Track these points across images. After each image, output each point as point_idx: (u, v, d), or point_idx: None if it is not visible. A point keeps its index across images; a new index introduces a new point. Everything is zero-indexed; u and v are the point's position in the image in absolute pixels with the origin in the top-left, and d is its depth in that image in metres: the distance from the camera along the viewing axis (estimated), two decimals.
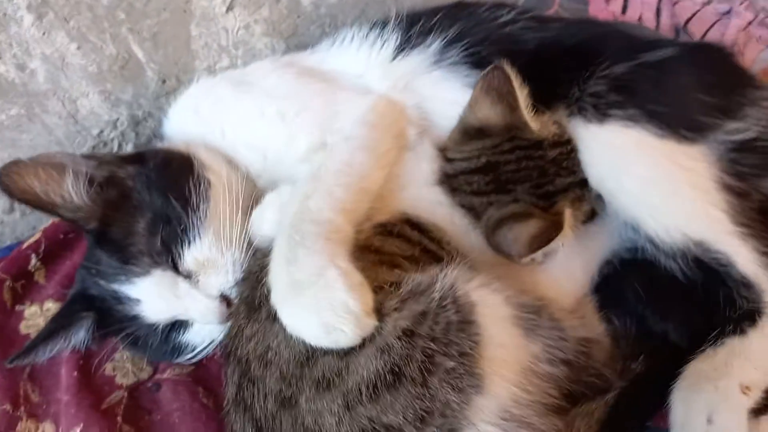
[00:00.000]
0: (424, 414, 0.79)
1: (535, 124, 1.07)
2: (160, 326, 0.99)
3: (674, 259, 0.99)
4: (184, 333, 1.02)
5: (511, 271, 1.02)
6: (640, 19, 1.76)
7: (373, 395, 0.80)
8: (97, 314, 1.02)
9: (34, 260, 1.19)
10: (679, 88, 1.07)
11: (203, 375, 1.07)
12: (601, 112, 1.05)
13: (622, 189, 1.03)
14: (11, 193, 0.94)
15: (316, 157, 1.02)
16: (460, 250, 1.02)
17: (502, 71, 1.03)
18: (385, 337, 0.82)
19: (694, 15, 1.74)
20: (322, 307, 0.81)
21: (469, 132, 1.08)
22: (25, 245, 1.20)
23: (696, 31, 1.70)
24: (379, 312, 0.84)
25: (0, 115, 1.17)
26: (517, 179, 1.04)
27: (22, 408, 1.04)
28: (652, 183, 1.01)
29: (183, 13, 1.24)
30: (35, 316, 1.16)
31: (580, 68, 1.12)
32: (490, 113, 1.06)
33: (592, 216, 1.10)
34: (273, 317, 0.85)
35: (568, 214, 1.00)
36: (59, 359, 1.07)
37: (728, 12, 1.71)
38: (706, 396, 0.89)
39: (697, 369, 0.93)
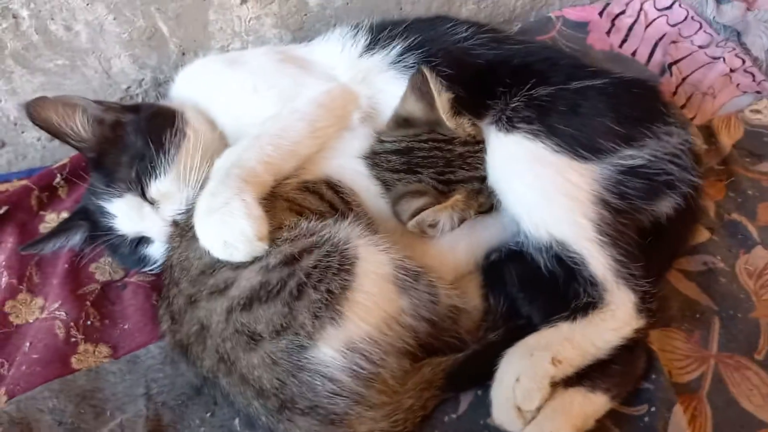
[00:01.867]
0: (281, 328, 1.02)
1: (452, 123, 1.27)
2: (128, 238, 1.27)
3: (540, 253, 1.17)
4: (147, 247, 1.29)
5: (407, 239, 1.23)
6: (634, 53, 1.90)
7: (247, 306, 1.04)
8: (89, 224, 1.31)
9: (58, 178, 1.53)
10: (591, 113, 1.22)
11: (161, 284, 1.34)
12: (511, 124, 1.22)
13: (511, 189, 1.21)
14: (34, 121, 1.24)
15: (267, 123, 1.27)
16: (369, 214, 1.25)
17: (423, 74, 1.24)
18: (269, 259, 1.06)
19: (685, 57, 1.86)
20: (224, 228, 1.06)
21: (399, 121, 1.30)
22: (54, 166, 1.54)
23: (681, 71, 1.82)
24: (274, 242, 1.08)
25: (49, 63, 1.51)
26: (424, 164, 1.25)
27: (25, 284, 1.37)
28: (534, 188, 1.18)
29: (203, 0, 1.53)
30: (53, 221, 1.49)
31: (515, 86, 1.30)
32: (415, 108, 1.27)
33: (489, 209, 1.29)
34: (195, 236, 1.11)
35: (455, 200, 1.20)
36: (60, 254, 1.38)
37: (719, 58, 1.83)
38: (522, 361, 1.08)
39: (528, 341, 1.11)
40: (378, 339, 1.05)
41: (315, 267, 1.05)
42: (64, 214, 1.48)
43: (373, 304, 1.05)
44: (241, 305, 1.04)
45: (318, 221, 1.12)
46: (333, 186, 1.24)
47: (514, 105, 1.25)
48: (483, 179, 1.25)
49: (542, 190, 1.18)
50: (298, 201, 1.20)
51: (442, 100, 1.26)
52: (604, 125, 1.21)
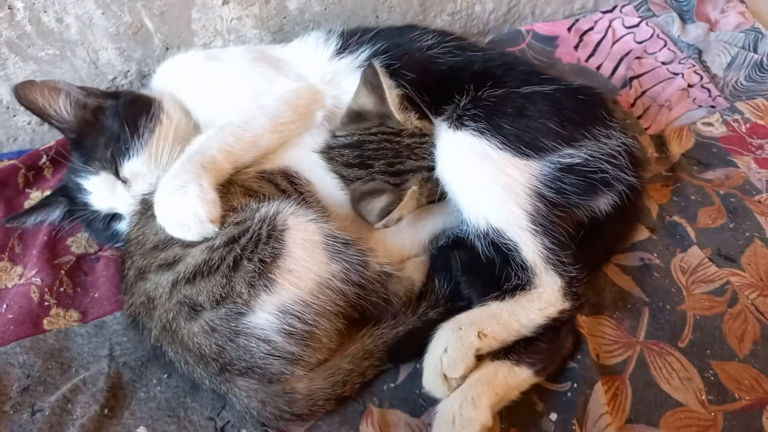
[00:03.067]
0: (220, 298, 1.11)
1: (401, 116, 1.36)
2: (102, 214, 1.37)
3: (479, 239, 1.25)
4: (119, 223, 1.38)
5: (356, 225, 1.32)
6: (599, 67, 2.00)
7: (191, 279, 1.13)
8: (68, 200, 1.41)
9: (44, 159, 1.64)
10: (536, 115, 1.30)
11: None
12: (460, 122, 1.30)
13: (454, 180, 1.29)
14: (21, 101, 1.34)
15: (234, 115, 1.37)
16: (322, 202, 1.33)
17: (374, 68, 1.34)
18: (215, 239, 1.15)
19: (648, 72, 1.97)
20: (179, 208, 1.16)
21: (352, 115, 1.39)
22: (41, 148, 1.65)
23: (642, 85, 1.92)
24: (224, 224, 1.17)
25: (41, 52, 1.62)
26: (375, 156, 1.33)
27: (7, 254, 1.48)
28: (474, 179, 1.26)
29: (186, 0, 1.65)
30: (37, 199, 1.59)
31: (471, 87, 1.38)
32: (367, 101, 1.36)
33: (439, 198, 1.36)
34: (154, 214, 1.19)
35: (411, 191, 1.28)
36: (40, 228, 1.49)
37: (679, 74, 1.93)
38: (451, 333, 1.17)
39: (460, 317, 1.21)
40: (310, 302, 1.13)
41: (249, 240, 1.14)
42: (48, 192, 1.59)
43: (304, 270, 1.13)
44: (185, 279, 1.13)
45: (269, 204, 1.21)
46: (289, 176, 1.32)
47: (465, 105, 1.34)
48: (430, 169, 1.33)
49: (482, 181, 1.26)
50: (254, 188, 1.28)
51: (391, 94, 1.35)
52: (546, 126, 1.29)
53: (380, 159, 1.33)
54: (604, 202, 1.36)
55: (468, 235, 1.29)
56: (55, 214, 1.44)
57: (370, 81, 1.35)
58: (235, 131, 1.31)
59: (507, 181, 1.25)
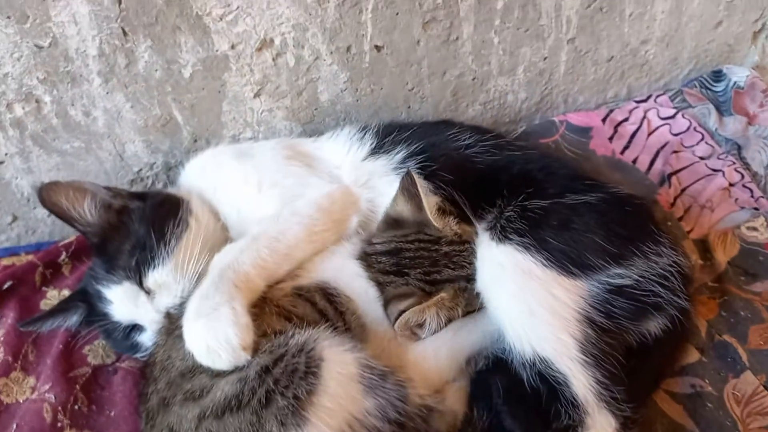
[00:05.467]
0: None
1: (440, 223, 1.31)
2: (122, 325, 1.30)
3: (523, 368, 1.17)
4: (140, 335, 1.31)
5: (394, 347, 1.25)
6: (636, 160, 1.94)
7: (219, 414, 1.04)
8: (87, 306, 1.34)
9: (63, 255, 1.57)
10: (582, 229, 1.24)
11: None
12: (503, 234, 1.24)
13: (496, 298, 1.23)
14: (44, 204, 1.29)
15: (266, 222, 1.31)
16: (363, 321, 1.26)
17: (411, 176, 1.30)
18: (246, 370, 1.07)
19: (686, 167, 1.90)
20: (210, 334, 1.08)
21: (389, 221, 1.34)
22: (61, 243, 1.59)
23: (681, 182, 1.86)
24: (256, 351, 1.10)
25: (66, 145, 1.58)
26: (412, 265, 1.27)
27: (20, 362, 1.39)
28: (518, 300, 1.19)
29: (218, 93, 1.60)
30: (54, 298, 1.52)
31: (512, 195, 1.33)
32: (404, 208, 1.32)
33: (477, 309, 1.28)
34: (181, 335, 1.13)
35: (439, 298, 1.22)
36: (56, 333, 1.41)
37: (719, 170, 1.87)
38: None
39: None
40: None
41: (283, 372, 1.06)
42: (66, 292, 1.52)
43: (337, 406, 1.05)
44: (213, 414, 1.05)
45: (303, 330, 1.13)
46: (327, 294, 1.25)
47: (508, 215, 1.28)
48: (470, 278, 1.27)
49: (527, 303, 1.19)
50: (288, 308, 1.21)
51: (429, 201, 1.31)
52: (593, 242, 1.22)
53: (416, 268, 1.28)
54: (654, 326, 1.28)
55: (511, 359, 1.21)
56: (73, 320, 1.37)
57: (407, 189, 1.31)
58: (269, 242, 1.24)
59: (554, 305, 1.18)
